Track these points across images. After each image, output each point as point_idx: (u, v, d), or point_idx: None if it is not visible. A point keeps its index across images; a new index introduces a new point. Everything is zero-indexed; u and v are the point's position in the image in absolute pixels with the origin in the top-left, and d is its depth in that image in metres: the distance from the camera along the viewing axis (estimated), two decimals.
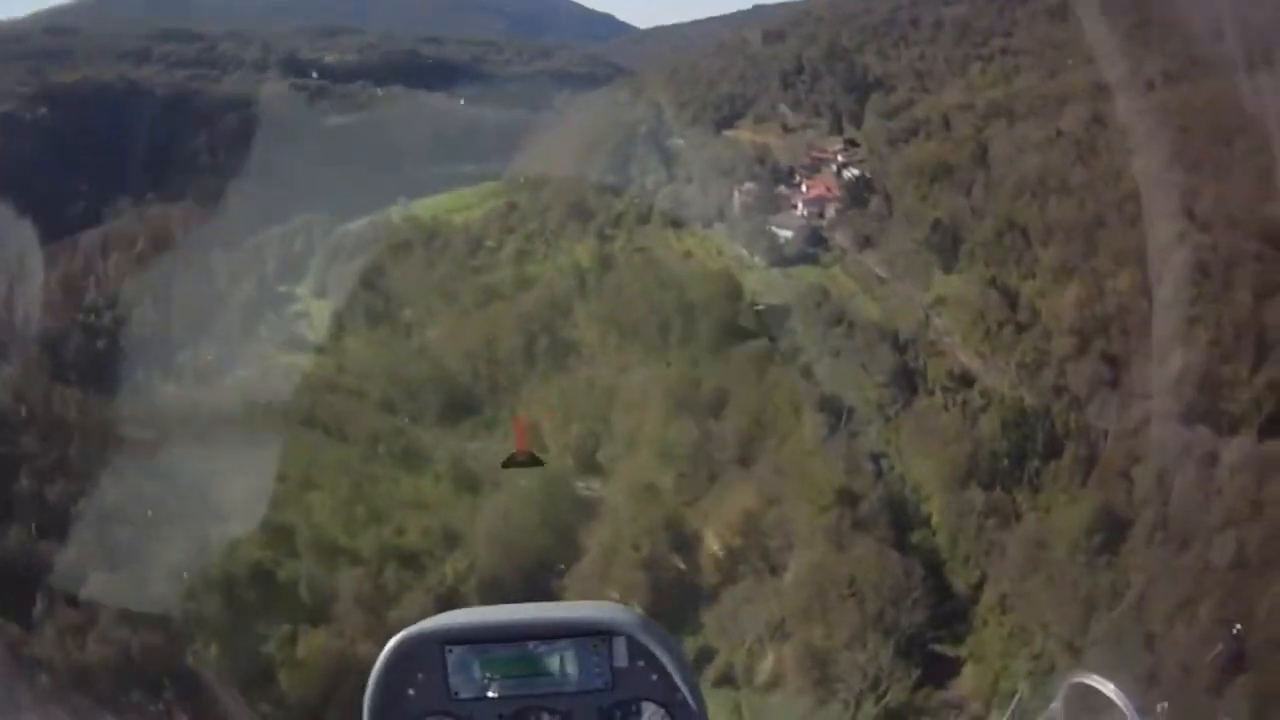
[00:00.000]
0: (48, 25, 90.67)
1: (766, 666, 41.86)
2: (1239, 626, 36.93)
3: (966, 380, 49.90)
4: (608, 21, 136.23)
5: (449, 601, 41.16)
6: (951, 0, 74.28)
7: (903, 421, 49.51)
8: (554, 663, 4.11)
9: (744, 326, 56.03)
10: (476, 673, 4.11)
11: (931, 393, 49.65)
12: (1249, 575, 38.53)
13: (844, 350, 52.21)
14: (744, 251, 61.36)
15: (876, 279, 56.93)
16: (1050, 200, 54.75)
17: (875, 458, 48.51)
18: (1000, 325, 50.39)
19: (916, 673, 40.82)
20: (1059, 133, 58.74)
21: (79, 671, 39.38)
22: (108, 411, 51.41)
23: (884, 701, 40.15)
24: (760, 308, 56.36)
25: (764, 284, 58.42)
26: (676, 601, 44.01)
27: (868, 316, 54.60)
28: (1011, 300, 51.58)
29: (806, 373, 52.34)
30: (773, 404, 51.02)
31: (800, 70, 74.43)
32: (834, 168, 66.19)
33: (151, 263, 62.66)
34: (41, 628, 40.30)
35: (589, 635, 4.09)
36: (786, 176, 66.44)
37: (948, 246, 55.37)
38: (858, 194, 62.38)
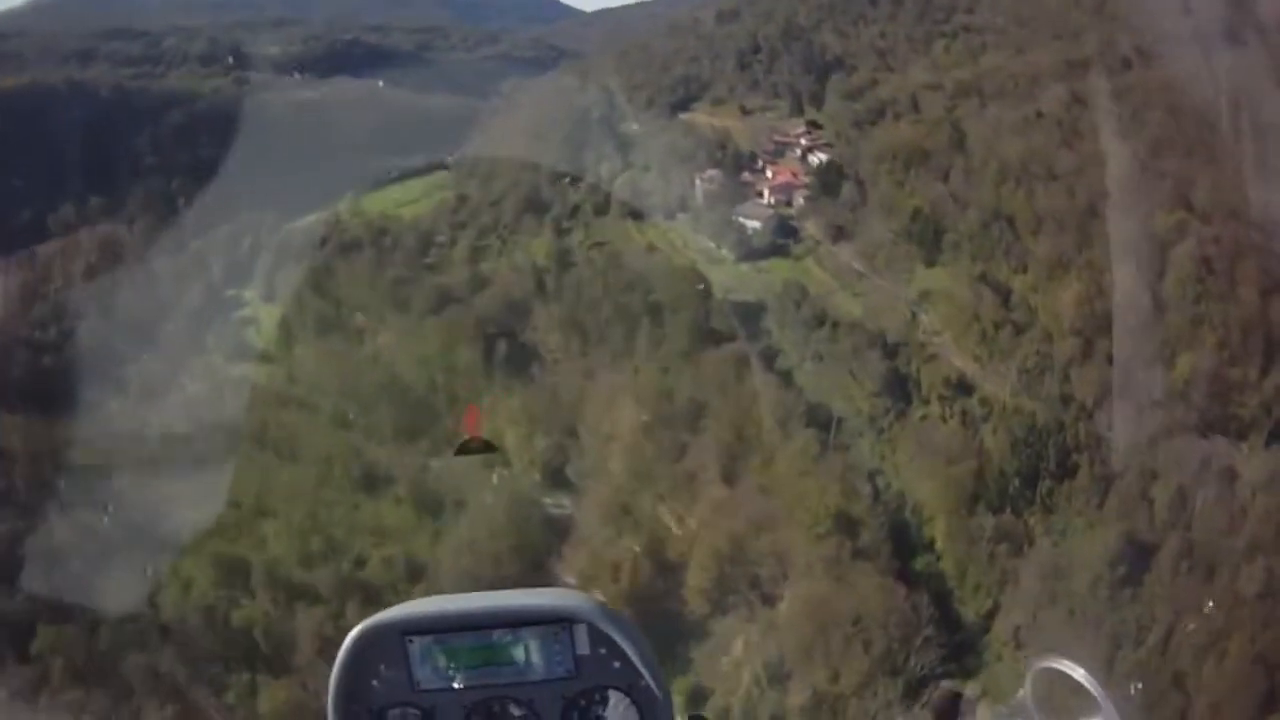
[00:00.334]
0: None
1: (767, 712, 36.61)
2: None
3: (964, 387, 44.98)
4: (553, 5, 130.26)
5: None
6: None
7: (898, 434, 44.21)
8: (518, 652, 3.92)
9: (716, 328, 50.65)
10: (439, 663, 3.94)
11: (927, 401, 44.49)
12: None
13: (828, 354, 46.96)
14: (710, 244, 56.22)
15: (854, 273, 51.91)
16: (1036, 187, 49.91)
17: (871, 475, 43.23)
18: (996, 326, 45.68)
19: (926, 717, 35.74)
20: (1039, 114, 53.80)
21: None
22: (50, 433, 47.50)
23: None
24: (732, 306, 50.75)
25: (735, 280, 53.24)
26: (663, 636, 38.69)
27: (849, 314, 49.45)
28: (1004, 297, 47.12)
29: (788, 379, 47.04)
30: (753, 415, 45.41)
31: (756, 50, 69.60)
32: (798, 152, 61.39)
33: (96, 270, 58.68)
34: None
35: (551, 623, 3.89)
36: (749, 162, 61.42)
37: (929, 237, 50.67)
38: (827, 181, 57.53)
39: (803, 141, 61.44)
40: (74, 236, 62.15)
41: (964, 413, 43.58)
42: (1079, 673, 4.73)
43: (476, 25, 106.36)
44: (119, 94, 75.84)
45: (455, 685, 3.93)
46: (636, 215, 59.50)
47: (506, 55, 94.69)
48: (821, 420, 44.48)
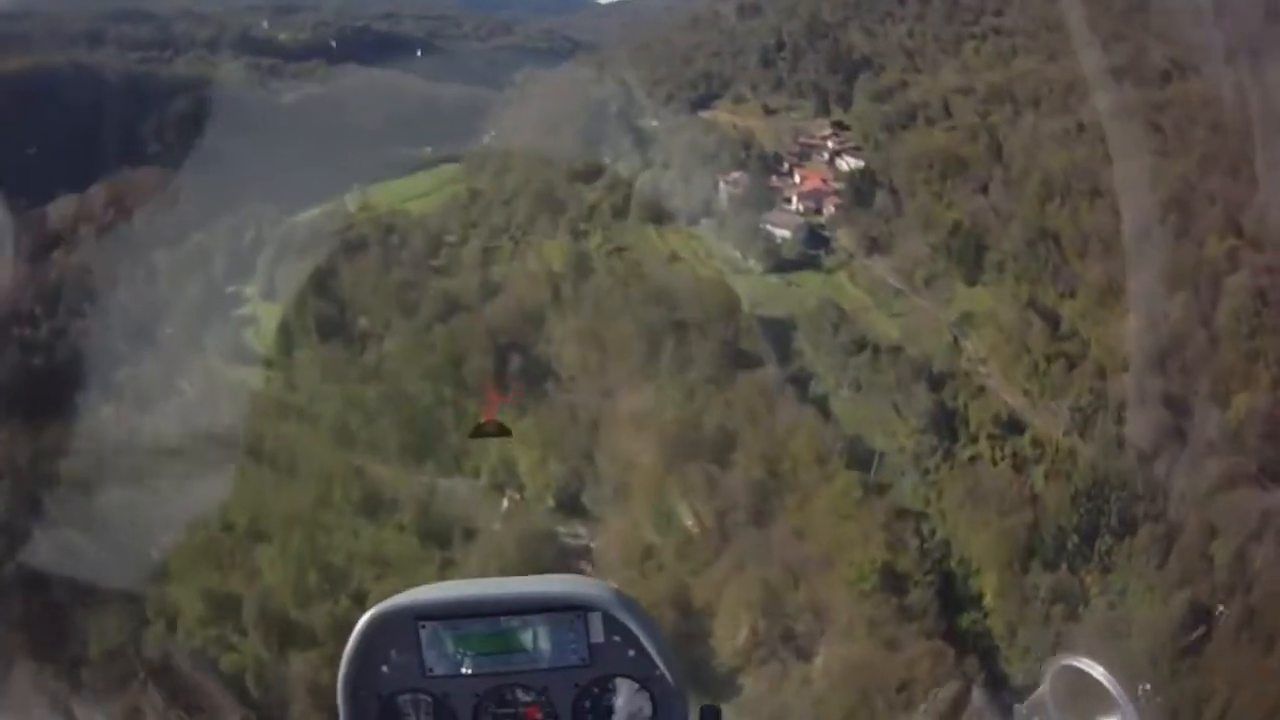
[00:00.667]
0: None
1: None
2: None
3: (1015, 425, 40.39)
4: None
5: None
6: None
7: (945, 476, 39.54)
8: (529, 639, 3.86)
9: (745, 350, 45.85)
10: (450, 649, 3.87)
11: (975, 440, 39.77)
12: None
13: (867, 383, 42.27)
14: (736, 253, 51.62)
15: (890, 289, 47.22)
16: (1081, 204, 45.38)
17: (916, 520, 38.37)
18: (1048, 359, 40.86)
19: None
20: (1080, 126, 49.27)
21: None
22: (31, 441, 43.21)
23: None
24: (761, 323, 46.06)
25: (764, 293, 48.73)
26: (691, 691, 33.97)
27: (887, 336, 44.90)
28: (1053, 325, 42.42)
29: (824, 409, 42.21)
30: (789, 450, 40.48)
31: (780, 47, 64.71)
32: (825, 155, 57.03)
33: (95, 261, 54.28)
34: None
35: (564, 610, 3.82)
36: (775, 165, 56.92)
37: (970, 254, 46.18)
38: (858, 188, 52.99)
39: (830, 144, 57.13)
40: (75, 225, 57.95)
41: (1015, 454, 39.22)
42: (1098, 670, 4.67)
43: (489, 14, 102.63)
44: (127, 79, 71.01)
45: (466, 671, 3.83)
46: (657, 219, 55.04)
47: (520, 46, 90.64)
48: (861, 457, 40.04)
